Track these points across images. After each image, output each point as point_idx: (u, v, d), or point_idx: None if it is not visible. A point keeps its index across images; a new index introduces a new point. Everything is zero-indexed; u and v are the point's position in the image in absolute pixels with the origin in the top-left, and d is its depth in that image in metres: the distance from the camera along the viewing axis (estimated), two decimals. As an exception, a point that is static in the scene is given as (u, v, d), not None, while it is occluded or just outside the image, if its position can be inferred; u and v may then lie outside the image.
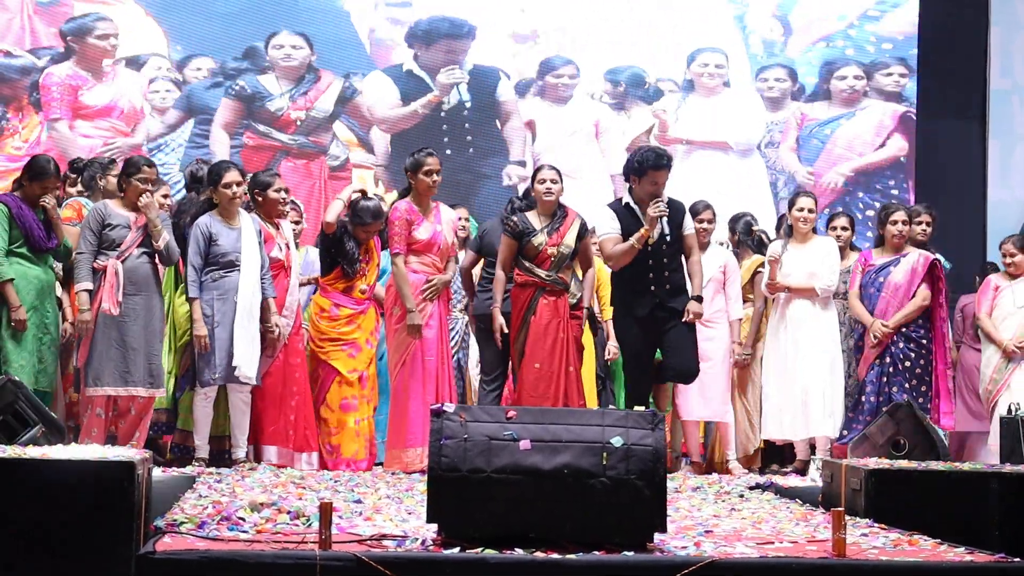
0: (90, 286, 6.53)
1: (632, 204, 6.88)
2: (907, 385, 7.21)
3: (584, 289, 7.19)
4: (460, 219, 7.75)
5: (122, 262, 6.57)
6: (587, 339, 7.59)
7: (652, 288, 6.81)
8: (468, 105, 9.83)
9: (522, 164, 9.85)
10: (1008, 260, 7.93)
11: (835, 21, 10.40)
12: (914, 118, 10.30)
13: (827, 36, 10.36)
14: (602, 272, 7.78)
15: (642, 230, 6.74)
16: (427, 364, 6.90)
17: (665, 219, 6.76)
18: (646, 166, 6.79)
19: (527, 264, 7.09)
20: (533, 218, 7.18)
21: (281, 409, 7.05)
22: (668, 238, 6.79)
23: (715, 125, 10.09)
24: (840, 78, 10.27)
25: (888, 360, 7.29)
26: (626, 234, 6.80)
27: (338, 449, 7.17)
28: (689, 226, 6.98)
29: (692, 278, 6.94)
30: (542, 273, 7.06)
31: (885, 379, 7.26)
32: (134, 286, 6.60)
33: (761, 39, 10.27)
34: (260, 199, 7.20)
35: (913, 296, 7.30)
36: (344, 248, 7.26)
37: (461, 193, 9.29)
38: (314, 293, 7.53)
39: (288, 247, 7.22)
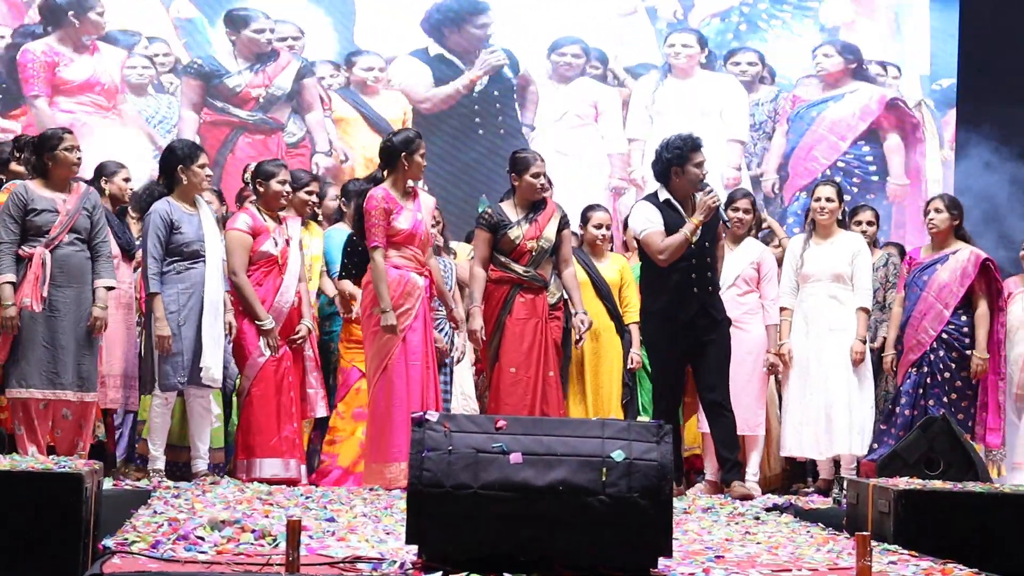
0: (13, 278, 6.29)
1: (672, 200, 6.86)
2: (945, 399, 7.13)
3: (570, 291, 7.13)
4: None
5: (51, 251, 6.39)
6: (614, 344, 7.51)
7: (695, 289, 6.83)
8: (495, 87, 10.37)
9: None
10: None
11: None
12: (902, 103, 10.50)
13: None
14: (626, 271, 7.75)
15: (695, 220, 6.76)
16: (410, 370, 6.79)
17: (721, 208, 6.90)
18: (686, 150, 6.81)
19: (502, 259, 7.06)
20: (509, 209, 7.15)
21: (280, 419, 6.98)
22: (707, 240, 6.85)
23: (694, 110, 10.34)
24: (825, 56, 10.51)
25: (926, 369, 7.20)
26: (668, 230, 6.79)
27: (335, 458, 7.14)
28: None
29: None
30: (519, 269, 7.04)
31: (921, 391, 7.19)
32: (64, 276, 6.41)
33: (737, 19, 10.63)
34: (261, 189, 7.11)
35: (962, 299, 7.22)
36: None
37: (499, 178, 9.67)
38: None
39: (288, 243, 7.10)
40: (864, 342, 7.35)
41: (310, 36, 10.15)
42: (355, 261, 7.27)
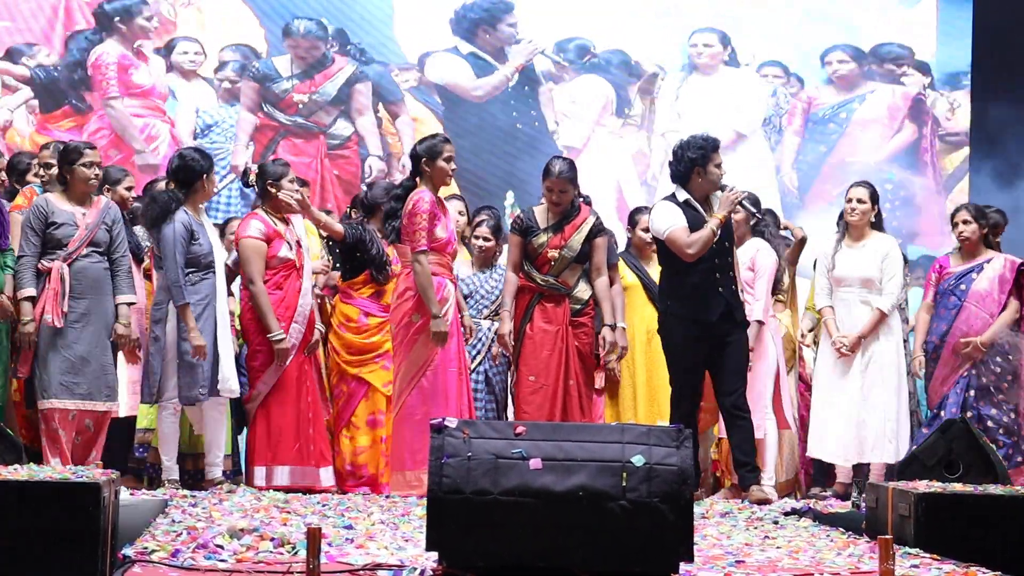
0: (33, 293, 6.44)
1: (693, 201, 6.84)
2: (994, 399, 7.17)
3: (600, 301, 7.08)
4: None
5: (69, 264, 6.50)
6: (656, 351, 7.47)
7: (720, 289, 6.81)
8: (526, 82, 10.55)
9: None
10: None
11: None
12: (924, 99, 10.58)
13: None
14: None
15: (719, 215, 6.74)
16: (448, 377, 6.79)
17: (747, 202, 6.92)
18: (708, 150, 6.82)
19: (526, 267, 7.06)
20: (540, 214, 7.12)
21: (299, 425, 6.98)
22: (727, 240, 6.83)
23: (715, 106, 10.42)
24: (840, 62, 10.63)
25: (975, 372, 7.24)
26: (691, 229, 6.76)
27: (364, 468, 7.13)
28: None
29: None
30: (539, 278, 7.03)
31: (972, 393, 7.20)
32: (83, 287, 6.53)
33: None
34: (273, 191, 7.09)
35: (1004, 307, 7.25)
36: (370, 253, 7.19)
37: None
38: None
39: (300, 245, 7.10)
40: (861, 338, 7.29)
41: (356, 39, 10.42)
42: (368, 260, 7.27)
